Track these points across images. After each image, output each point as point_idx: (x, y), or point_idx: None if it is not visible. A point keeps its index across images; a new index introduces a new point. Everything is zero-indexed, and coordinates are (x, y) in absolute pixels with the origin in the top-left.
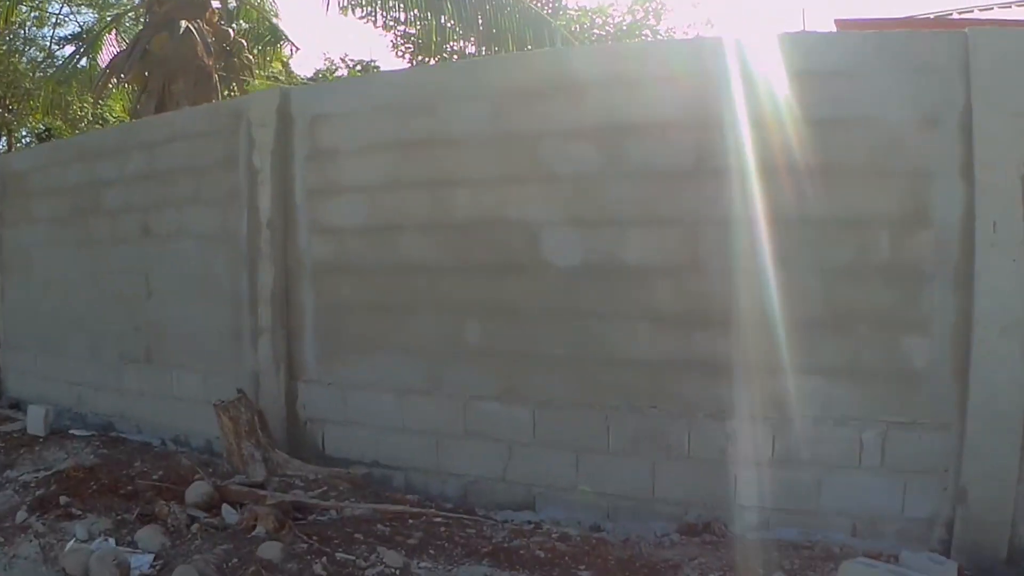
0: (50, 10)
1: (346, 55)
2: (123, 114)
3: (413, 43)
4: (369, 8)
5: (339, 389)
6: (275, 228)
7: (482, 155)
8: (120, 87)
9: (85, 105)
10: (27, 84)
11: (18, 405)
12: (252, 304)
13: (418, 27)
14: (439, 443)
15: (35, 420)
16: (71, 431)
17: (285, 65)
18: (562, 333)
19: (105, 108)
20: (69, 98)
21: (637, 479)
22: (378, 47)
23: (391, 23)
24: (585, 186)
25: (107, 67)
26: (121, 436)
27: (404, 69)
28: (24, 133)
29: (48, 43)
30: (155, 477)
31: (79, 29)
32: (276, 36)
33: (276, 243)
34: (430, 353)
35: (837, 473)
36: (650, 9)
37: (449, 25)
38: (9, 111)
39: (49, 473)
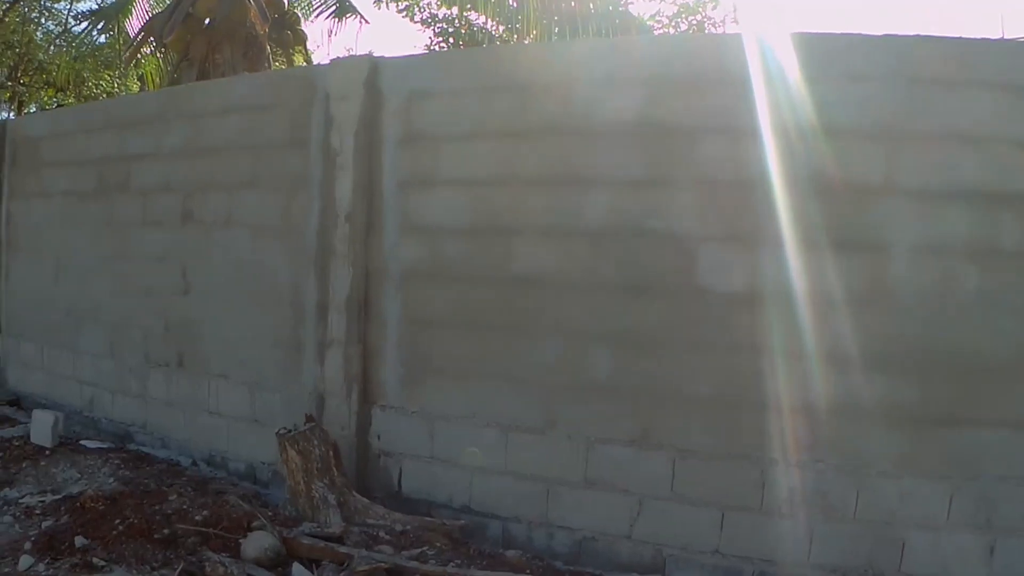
0: None
1: (370, 52)
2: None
3: (452, 39)
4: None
5: (425, 419)
6: (356, 223)
7: (624, 151)
8: (148, 57)
9: (101, 83)
10: (41, 56)
11: (19, 402)
12: (320, 311)
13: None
14: (550, 491)
15: (41, 428)
16: (82, 441)
17: (304, 52)
18: (711, 370)
19: (122, 86)
20: (85, 74)
21: (790, 541)
22: (407, 46)
23: (430, 19)
24: (748, 197)
25: (141, 30)
26: (142, 451)
27: (527, 44)
28: (34, 108)
29: (65, 17)
30: (199, 519)
31: (97, 6)
32: (343, 7)
33: (356, 241)
34: (545, 385)
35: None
36: None
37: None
38: (21, 83)
39: (58, 498)
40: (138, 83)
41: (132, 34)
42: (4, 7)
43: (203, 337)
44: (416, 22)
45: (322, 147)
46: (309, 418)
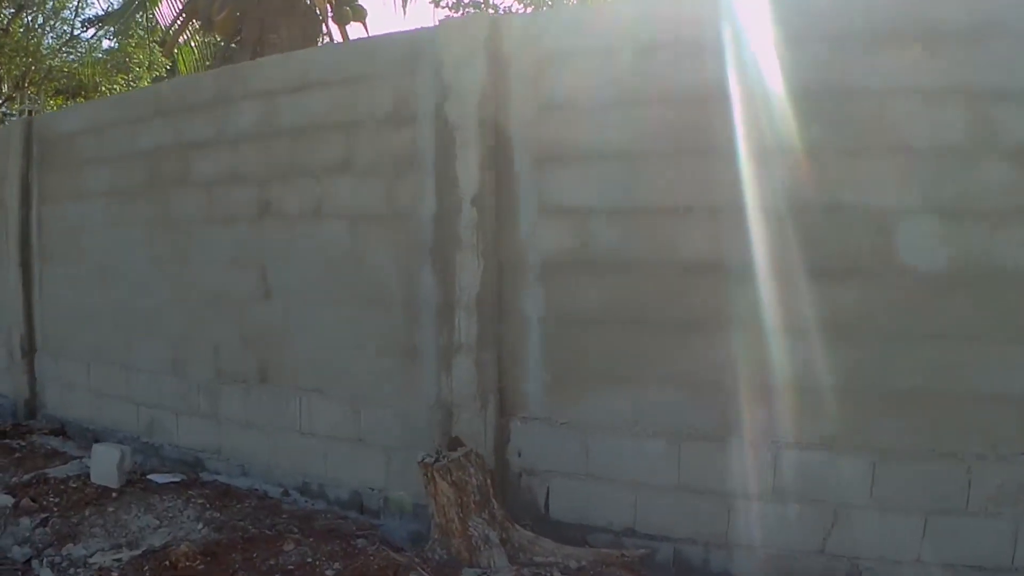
0: None
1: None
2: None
3: None
4: None
5: (577, 431)
6: (484, 207)
7: (811, 114)
8: (182, 48)
9: (115, 87)
10: (51, 62)
11: (64, 430)
12: (442, 311)
13: None
14: (731, 507)
15: (104, 466)
16: (150, 476)
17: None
18: (911, 360)
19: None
20: (97, 79)
21: (995, 545)
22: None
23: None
24: (951, 166)
25: (181, 13)
26: (219, 481)
27: None
28: None
29: (71, 24)
30: (331, 574)
31: (103, 12)
32: None
33: (486, 228)
34: (722, 386)
35: None
36: None
37: None
38: (29, 92)
39: (138, 554)
40: (151, 84)
41: (163, 21)
42: (8, 15)
43: (290, 347)
44: (442, 6)
45: (435, 121)
46: (456, 441)
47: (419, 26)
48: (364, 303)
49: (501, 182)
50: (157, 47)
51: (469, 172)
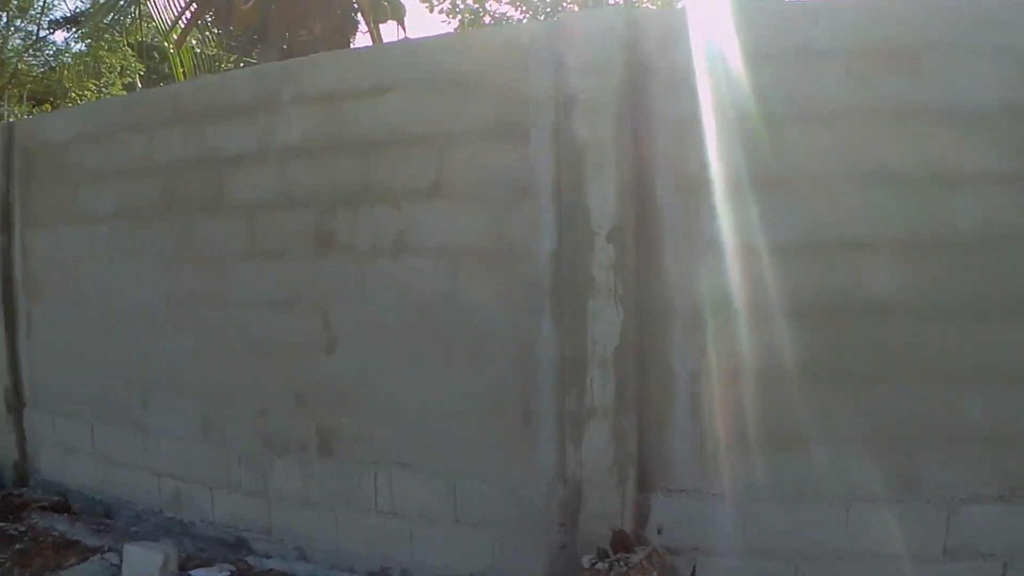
0: None
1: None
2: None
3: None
4: None
5: (733, 502)
6: (624, 244)
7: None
8: (183, 51)
9: (86, 93)
10: (15, 66)
11: (66, 501)
12: (567, 368)
13: None
14: (901, 571)
15: (141, 571)
16: (192, 573)
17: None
18: None
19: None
20: (67, 84)
21: None
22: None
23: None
24: None
25: (190, 6)
26: (274, 570)
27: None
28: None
29: (36, 26)
30: None
31: (70, 13)
32: None
33: (626, 269)
34: (900, 441)
35: None
36: None
37: None
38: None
39: None
40: (124, 91)
41: (158, 16)
42: None
43: (362, 410)
44: (439, 12)
45: (555, 137)
46: (622, 537)
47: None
48: (461, 357)
49: (642, 213)
50: (130, 51)
51: (605, 201)
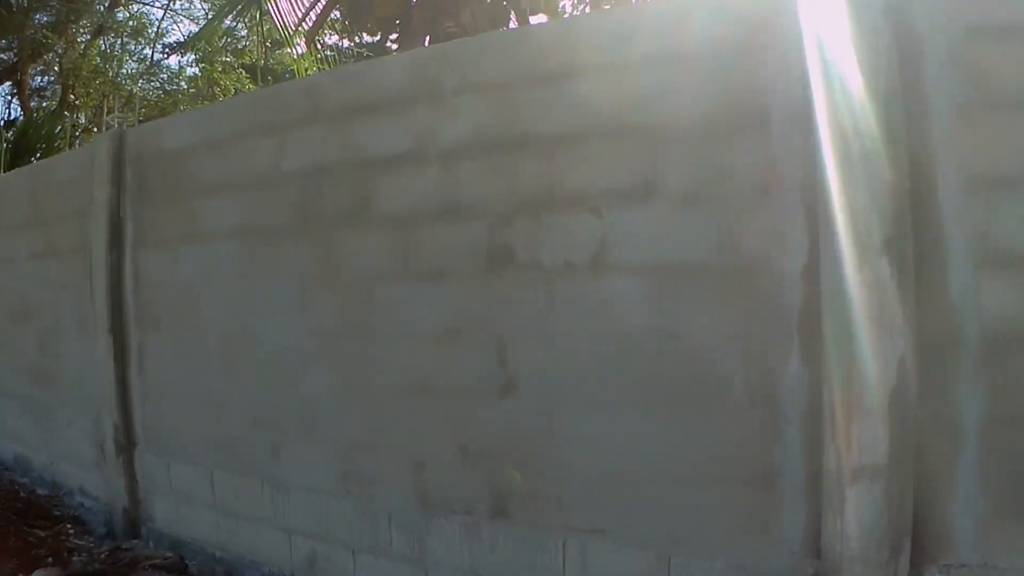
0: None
1: None
2: None
3: None
4: None
5: None
6: (900, 257)
7: None
8: (299, 59)
9: None
10: (130, 90)
11: (182, 560)
12: (823, 416)
13: None
14: None
15: None
16: None
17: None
18: None
19: None
20: (182, 108)
21: None
22: None
23: None
24: None
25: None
26: None
27: None
28: None
29: (151, 50)
30: None
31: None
32: None
33: (904, 288)
34: None
35: None
36: None
37: None
38: (110, 112)
39: None
40: None
41: (278, 19)
42: (85, 39)
43: (547, 465)
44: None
45: (803, 123)
46: None
47: None
48: (677, 403)
49: (918, 219)
50: (244, 73)
51: (875, 203)
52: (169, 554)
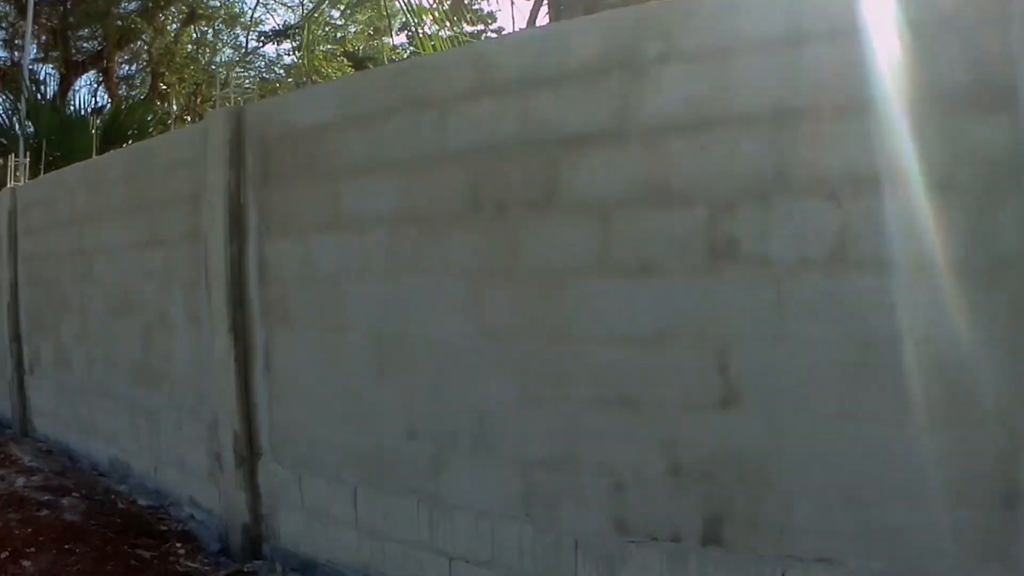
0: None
1: None
2: None
3: None
4: None
5: None
6: None
7: None
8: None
9: None
10: (225, 76)
11: None
12: None
13: None
14: None
15: None
16: None
17: None
18: None
19: None
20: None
21: None
22: None
23: None
24: None
25: None
26: None
27: None
28: None
29: (246, 37)
30: None
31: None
32: None
33: None
34: None
35: None
36: None
37: None
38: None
39: None
40: None
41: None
42: (175, 27)
43: (771, 486)
44: None
45: None
46: None
47: None
48: (926, 414)
49: None
50: (346, 61)
51: None
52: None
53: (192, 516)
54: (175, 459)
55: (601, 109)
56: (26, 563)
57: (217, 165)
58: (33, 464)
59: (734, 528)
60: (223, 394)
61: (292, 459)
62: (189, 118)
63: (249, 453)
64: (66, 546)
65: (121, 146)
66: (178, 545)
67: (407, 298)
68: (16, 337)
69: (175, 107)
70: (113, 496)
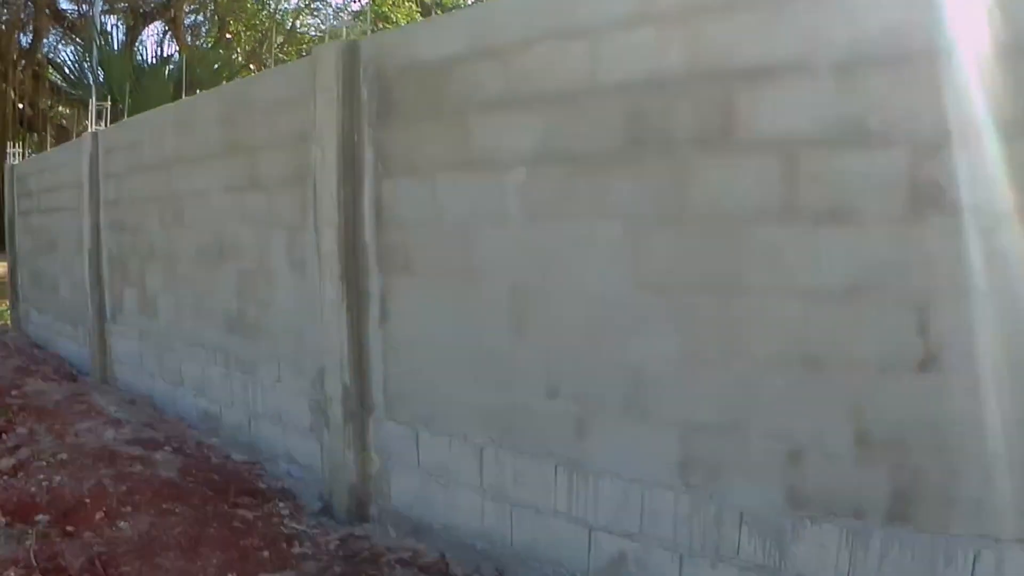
0: None
1: None
2: None
3: None
4: None
5: None
6: None
7: None
8: None
9: None
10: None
11: (444, 559)
12: None
13: None
14: None
15: None
16: None
17: None
18: None
19: None
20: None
21: None
22: None
23: None
24: None
25: None
26: None
27: None
28: None
29: None
30: None
31: None
32: None
33: None
34: None
35: None
36: None
37: None
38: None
39: None
40: None
41: None
42: None
43: (969, 458)
44: None
45: None
46: None
47: None
48: None
49: None
50: (414, 6)
51: None
52: (418, 545)
53: (289, 472)
54: (271, 412)
55: (783, 40)
56: (123, 524)
57: (328, 103)
58: (120, 415)
59: (925, 504)
60: (331, 345)
61: (408, 415)
62: (253, 67)
63: (359, 408)
64: (164, 506)
65: (194, 92)
66: (280, 505)
67: (550, 245)
68: (98, 283)
69: (240, 56)
70: (206, 450)
